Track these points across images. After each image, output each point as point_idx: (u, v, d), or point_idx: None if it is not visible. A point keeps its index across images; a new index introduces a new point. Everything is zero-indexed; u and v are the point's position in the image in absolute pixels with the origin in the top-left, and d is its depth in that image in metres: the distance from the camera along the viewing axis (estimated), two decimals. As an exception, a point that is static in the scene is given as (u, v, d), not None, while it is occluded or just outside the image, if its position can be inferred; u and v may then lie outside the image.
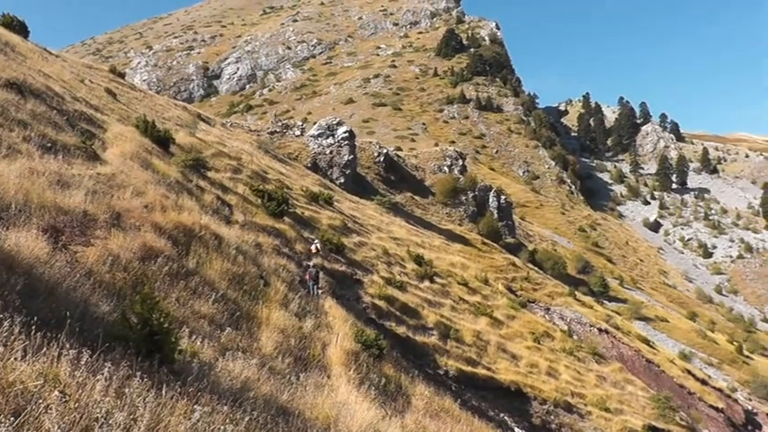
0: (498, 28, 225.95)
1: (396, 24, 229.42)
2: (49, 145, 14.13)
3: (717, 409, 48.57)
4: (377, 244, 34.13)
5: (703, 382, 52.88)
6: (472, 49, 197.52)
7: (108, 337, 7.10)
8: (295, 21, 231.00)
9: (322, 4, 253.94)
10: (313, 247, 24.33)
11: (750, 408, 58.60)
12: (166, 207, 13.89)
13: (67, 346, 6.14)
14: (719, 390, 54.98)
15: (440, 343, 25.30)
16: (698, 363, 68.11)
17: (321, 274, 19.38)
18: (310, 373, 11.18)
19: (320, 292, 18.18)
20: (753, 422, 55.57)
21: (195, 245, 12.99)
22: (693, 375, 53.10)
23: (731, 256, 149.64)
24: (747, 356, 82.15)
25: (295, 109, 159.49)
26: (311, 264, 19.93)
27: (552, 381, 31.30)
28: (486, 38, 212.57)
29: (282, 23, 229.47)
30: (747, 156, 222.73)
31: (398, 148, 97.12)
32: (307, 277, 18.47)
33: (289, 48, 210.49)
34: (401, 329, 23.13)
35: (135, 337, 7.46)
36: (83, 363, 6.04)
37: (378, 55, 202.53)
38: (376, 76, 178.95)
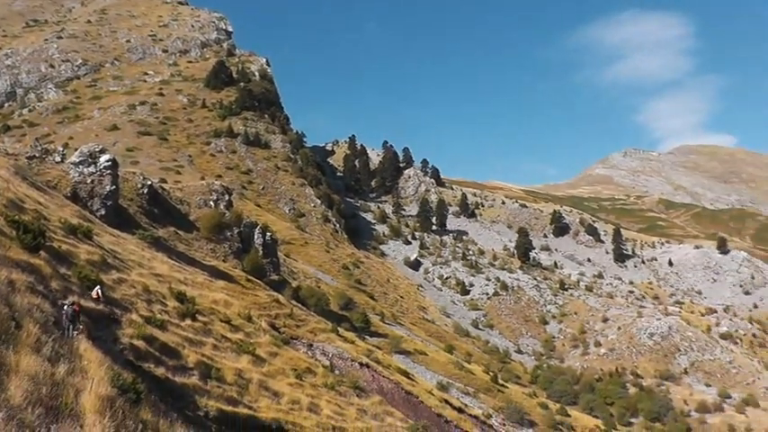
0: (269, 64, 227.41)
1: (165, 51, 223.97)
2: None
3: (473, 435, 51.23)
4: (137, 281, 33.05)
5: (460, 411, 55.56)
6: (242, 84, 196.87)
7: None
8: (60, 38, 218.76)
9: (89, 22, 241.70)
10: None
11: None
12: None
13: None
14: (475, 417, 58.07)
15: (200, 383, 24.89)
16: (455, 392, 71.51)
17: (80, 315, 18.49)
18: (62, 423, 10.65)
19: (77, 333, 17.37)
20: (505, 446, 59.44)
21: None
22: (451, 404, 55.70)
23: (488, 294, 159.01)
24: (502, 385, 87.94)
25: (56, 133, 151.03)
26: (67, 302, 18.97)
27: (314, 416, 31.62)
28: (257, 73, 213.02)
29: (46, 39, 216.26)
30: (503, 202, 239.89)
31: (163, 181, 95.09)
32: (63, 318, 17.62)
33: (52, 66, 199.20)
34: (160, 371, 22.53)
35: None
36: None
37: (145, 81, 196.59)
38: (142, 104, 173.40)
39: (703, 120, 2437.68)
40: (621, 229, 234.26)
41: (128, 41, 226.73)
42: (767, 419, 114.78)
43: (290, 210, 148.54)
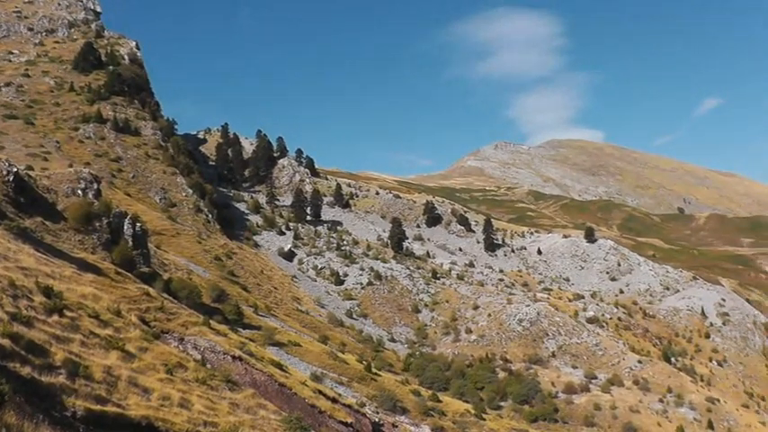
0: (139, 48, 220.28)
1: (31, 29, 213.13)
2: None
3: (346, 424, 51.81)
4: (2, 275, 32.04)
5: (334, 401, 56.12)
6: (111, 67, 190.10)
7: None
8: None
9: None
10: None
11: (377, 420, 63.67)
12: None
13: None
14: (349, 406, 58.73)
15: (68, 382, 24.48)
16: (329, 382, 72.03)
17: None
18: (-76, 433, 10.62)
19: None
20: (379, 432, 60.57)
21: None
22: (324, 395, 56.17)
23: (362, 283, 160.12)
24: (375, 373, 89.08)
25: None
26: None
27: (185, 412, 31.44)
28: (126, 56, 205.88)
29: None
30: (378, 193, 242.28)
31: (30, 168, 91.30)
32: None
33: None
34: (26, 370, 22.09)
35: None
36: None
37: (10, 61, 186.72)
38: (7, 85, 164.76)
39: (571, 115, 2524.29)
40: (492, 220, 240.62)
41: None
42: (631, 398, 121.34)
43: (161, 199, 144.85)
